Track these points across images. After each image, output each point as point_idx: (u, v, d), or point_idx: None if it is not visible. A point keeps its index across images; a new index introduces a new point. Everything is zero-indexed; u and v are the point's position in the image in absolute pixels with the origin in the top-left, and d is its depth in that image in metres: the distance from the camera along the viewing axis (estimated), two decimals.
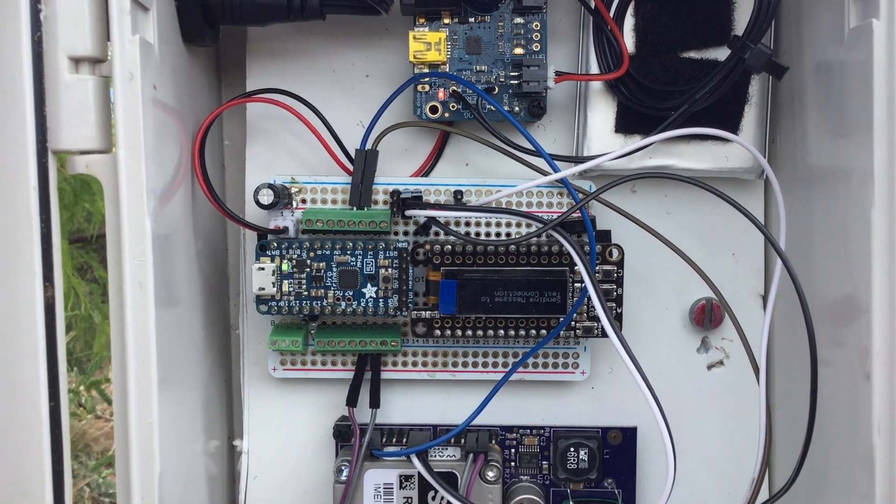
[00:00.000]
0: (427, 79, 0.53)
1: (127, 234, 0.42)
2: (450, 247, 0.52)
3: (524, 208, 0.54)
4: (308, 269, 0.52)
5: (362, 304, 0.52)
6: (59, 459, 0.41)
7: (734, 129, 0.54)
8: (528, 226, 0.53)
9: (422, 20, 0.53)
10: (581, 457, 0.55)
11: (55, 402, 0.41)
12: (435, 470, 0.53)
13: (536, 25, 0.53)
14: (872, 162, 0.43)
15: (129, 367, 0.43)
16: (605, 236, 0.54)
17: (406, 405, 0.57)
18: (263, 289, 0.51)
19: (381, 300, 0.52)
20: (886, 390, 0.43)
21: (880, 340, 0.43)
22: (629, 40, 0.53)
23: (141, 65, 0.42)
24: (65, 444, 0.42)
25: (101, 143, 0.43)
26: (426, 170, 0.56)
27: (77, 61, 0.42)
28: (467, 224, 0.54)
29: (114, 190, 0.42)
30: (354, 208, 0.53)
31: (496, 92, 0.54)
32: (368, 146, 0.53)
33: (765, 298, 0.57)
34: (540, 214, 0.53)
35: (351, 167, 0.53)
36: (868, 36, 0.43)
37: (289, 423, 0.57)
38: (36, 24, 0.41)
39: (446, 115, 0.54)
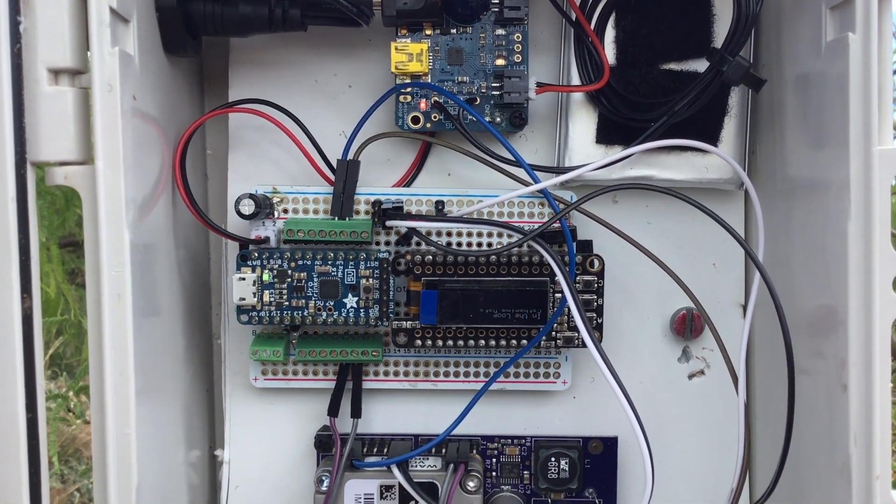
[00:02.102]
0: (409, 89, 0.54)
1: (105, 245, 0.42)
2: (431, 257, 0.52)
3: (506, 218, 0.54)
4: (289, 279, 0.52)
5: (343, 314, 0.52)
6: (37, 472, 0.41)
7: (714, 140, 0.54)
8: (510, 236, 0.54)
9: (404, 31, 0.53)
10: (562, 466, 0.55)
11: (33, 413, 0.41)
12: (415, 480, 0.53)
13: (518, 37, 0.53)
14: (849, 174, 0.43)
15: (107, 378, 0.42)
16: (586, 246, 0.54)
17: (387, 415, 0.57)
18: (244, 299, 0.51)
19: (362, 310, 0.52)
20: (863, 401, 0.43)
21: (857, 352, 0.43)
22: (610, 52, 0.53)
23: (120, 76, 0.42)
24: (42, 457, 0.41)
25: (80, 155, 0.43)
26: (408, 180, 0.56)
27: (56, 73, 0.42)
28: (448, 234, 0.54)
29: (92, 201, 0.42)
30: (336, 218, 0.53)
31: (478, 102, 0.54)
32: (350, 156, 0.54)
33: (745, 308, 0.57)
34: (521, 225, 0.53)
35: (333, 177, 0.53)
36: (844, 49, 0.43)
37: (270, 433, 0.57)
38: (15, 36, 0.41)
39: (428, 125, 0.54)
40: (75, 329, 1.31)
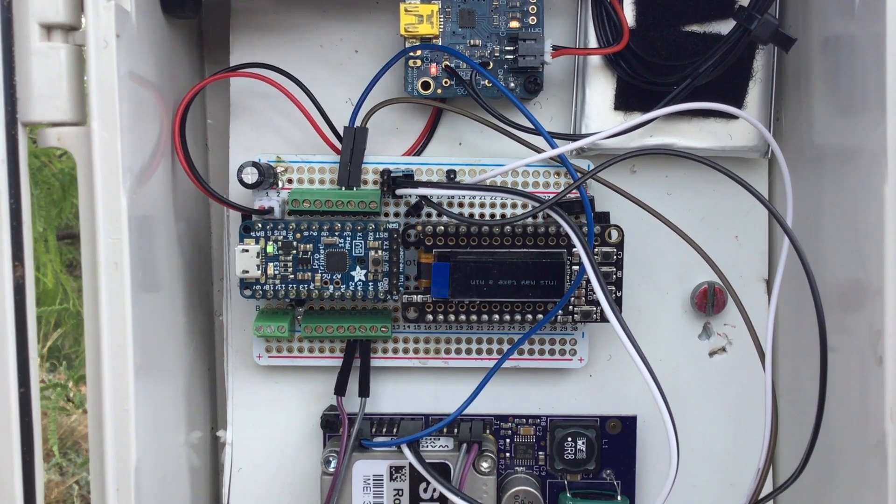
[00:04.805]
0: (419, 52, 0.51)
1: (101, 210, 0.40)
2: (442, 228, 0.50)
3: (520, 188, 0.52)
4: (294, 252, 0.49)
5: (351, 287, 0.50)
6: (30, 450, 0.39)
7: (738, 105, 0.52)
8: (525, 206, 0.51)
9: None
10: (579, 447, 0.53)
11: (25, 388, 0.39)
12: (427, 461, 0.50)
13: None
14: (885, 138, 0.41)
15: (104, 353, 0.40)
16: (603, 218, 0.52)
17: (396, 393, 0.55)
18: (248, 272, 0.49)
19: (370, 284, 0.50)
20: None
21: (894, 322, 0.41)
22: (629, 13, 0.51)
23: (117, 32, 0.40)
24: (35, 434, 0.40)
25: (74, 115, 0.41)
26: (418, 148, 0.54)
27: (49, 28, 0.40)
28: (461, 204, 0.52)
29: (87, 164, 0.40)
30: (343, 188, 0.51)
31: (490, 67, 0.52)
32: (357, 124, 0.51)
33: (769, 282, 0.55)
34: (537, 194, 0.51)
35: (339, 146, 0.51)
36: (881, 7, 0.41)
37: (275, 413, 0.55)
38: None
39: (439, 91, 0.52)
40: (74, 319, 1.30)
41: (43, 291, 1.23)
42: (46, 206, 1.19)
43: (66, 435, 1.35)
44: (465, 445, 0.51)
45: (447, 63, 0.51)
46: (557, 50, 0.51)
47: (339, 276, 0.50)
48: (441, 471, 0.51)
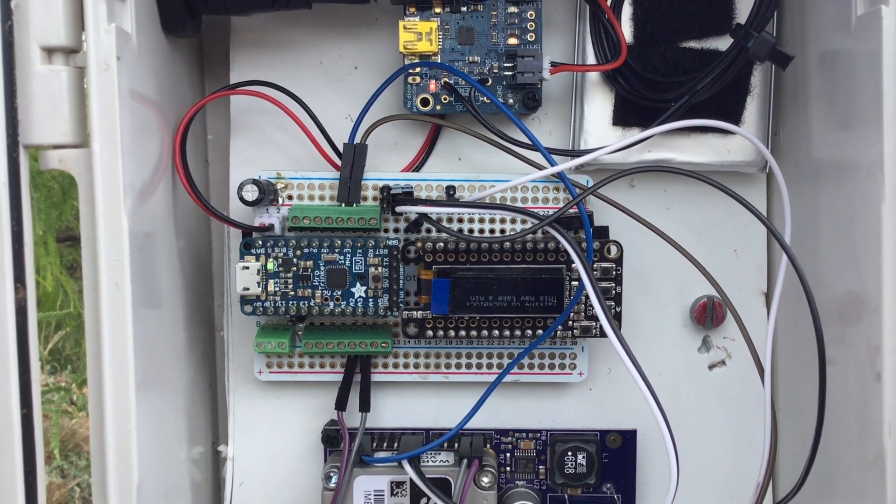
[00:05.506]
0: (417, 69, 0.51)
1: (102, 232, 0.40)
2: (442, 244, 0.50)
3: (519, 204, 0.52)
4: (295, 268, 0.50)
5: (351, 304, 0.50)
6: (32, 470, 0.39)
7: (736, 121, 0.52)
8: (524, 222, 0.52)
9: (412, 9, 0.51)
10: (579, 461, 0.53)
11: (27, 409, 0.39)
12: (427, 476, 0.51)
13: (531, 15, 0.51)
14: (882, 155, 0.41)
15: (105, 372, 0.41)
16: (602, 233, 0.52)
17: (397, 408, 0.55)
18: (248, 288, 0.49)
19: (370, 300, 0.50)
20: None
21: (892, 339, 0.41)
22: (627, 30, 0.51)
23: (117, 55, 0.40)
24: (38, 453, 0.40)
25: (75, 137, 0.41)
26: (417, 164, 0.54)
27: (50, 51, 0.40)
28: (460, 221, 0.52)
29: (88, 186, 0.40)
30: (343, 205, 0.51)
31: (489, 84, 0.52)
32: (357, 140, 0.51)
33: (768, 296, 0.55)
34: (535, 210, 0.51)
35: (339, 162, 0.51)
36: (877, 24, 0.41)
37: (276, 428, 0.55)
38: (7, 13, 0.39)
39: (438, 107, 0.52)
40: (75, 321, 1.30)
41: (43, 294, 1.23)
42: (46, 208, 1.19)
43: (68, 437, 1.35)
44: (465, 460, 0.51)
45: (446, 80, 0.52)
46: (556, 66, 0.51)
47: (339, 293, 0.50)
48: (442, 486, 0.51)
